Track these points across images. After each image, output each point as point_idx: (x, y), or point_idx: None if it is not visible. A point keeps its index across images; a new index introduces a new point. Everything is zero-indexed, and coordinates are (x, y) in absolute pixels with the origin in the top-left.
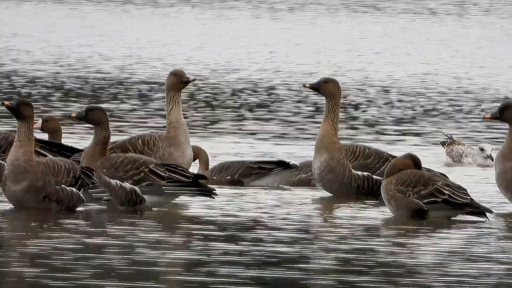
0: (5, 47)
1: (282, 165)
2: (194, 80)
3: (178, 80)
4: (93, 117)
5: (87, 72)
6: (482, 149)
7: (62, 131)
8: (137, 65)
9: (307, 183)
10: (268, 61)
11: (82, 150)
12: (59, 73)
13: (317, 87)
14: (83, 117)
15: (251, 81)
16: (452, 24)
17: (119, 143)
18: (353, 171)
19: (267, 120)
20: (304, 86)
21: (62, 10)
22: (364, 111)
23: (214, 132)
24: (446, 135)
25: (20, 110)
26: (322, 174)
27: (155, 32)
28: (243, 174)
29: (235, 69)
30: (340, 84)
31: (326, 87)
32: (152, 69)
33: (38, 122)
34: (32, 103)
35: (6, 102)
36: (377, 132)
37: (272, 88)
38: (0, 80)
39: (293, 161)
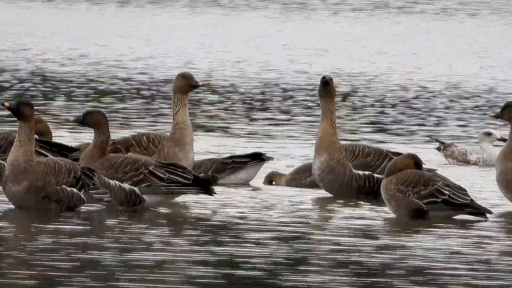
0: (17, 46)
1: (256, 157)
2: (203, 85)
3: (187, 83)
4: (91, 120)
5: (101, 72)
6: (489, 134)
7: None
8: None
9: (318, 185)
10: (287, 60)
11: (79, 149)
12: (72, 72)
13: None
14: (81, 121)
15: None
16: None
17: (123, 139)
18: (353, 170)
19: (270, 120)
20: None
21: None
22: (382, 113)
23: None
24: (437, 141)
25: (20, 110)
26: (322, 174)
27: (165, 32)
28: (217, 170)
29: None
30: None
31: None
32: (171, 69)
33: None
34: (38, 102)
35: (6, 103)
36: (399, 134)
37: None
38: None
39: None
